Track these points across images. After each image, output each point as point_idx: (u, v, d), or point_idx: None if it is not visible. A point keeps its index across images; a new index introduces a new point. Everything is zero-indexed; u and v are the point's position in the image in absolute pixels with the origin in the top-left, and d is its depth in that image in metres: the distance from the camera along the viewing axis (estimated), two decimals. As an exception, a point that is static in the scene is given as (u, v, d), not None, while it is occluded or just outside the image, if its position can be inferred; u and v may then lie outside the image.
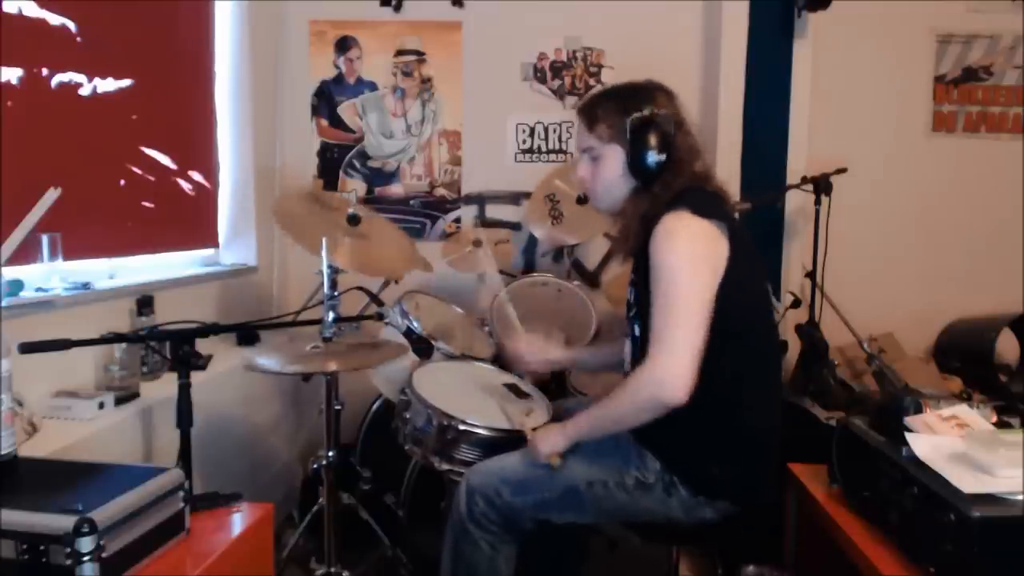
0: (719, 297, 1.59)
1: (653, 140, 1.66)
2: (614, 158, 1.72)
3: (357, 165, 3.41)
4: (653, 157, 1.66)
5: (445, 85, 3.37)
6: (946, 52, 3.29)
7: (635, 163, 1.68)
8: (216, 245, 3.02)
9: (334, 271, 2.18)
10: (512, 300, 2.35)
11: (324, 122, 3.39)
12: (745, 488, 1.70)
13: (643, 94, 1.72)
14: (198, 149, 2.85)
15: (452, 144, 3.40)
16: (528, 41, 3.34)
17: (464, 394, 2.12)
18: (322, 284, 2.07)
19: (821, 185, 2.90)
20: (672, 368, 1.52)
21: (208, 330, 1.75)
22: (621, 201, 1.76)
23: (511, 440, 1.89)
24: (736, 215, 1.80)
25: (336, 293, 2.10)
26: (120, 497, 1.22)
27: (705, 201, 1.65)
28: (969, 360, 3.00)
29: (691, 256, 1.58)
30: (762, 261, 1.81)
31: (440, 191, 3.41)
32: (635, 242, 1.71)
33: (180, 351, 1.65)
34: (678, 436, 1.66)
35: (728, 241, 1.61)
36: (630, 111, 1.68)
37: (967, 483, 1.27)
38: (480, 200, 3.41)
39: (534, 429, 1.82)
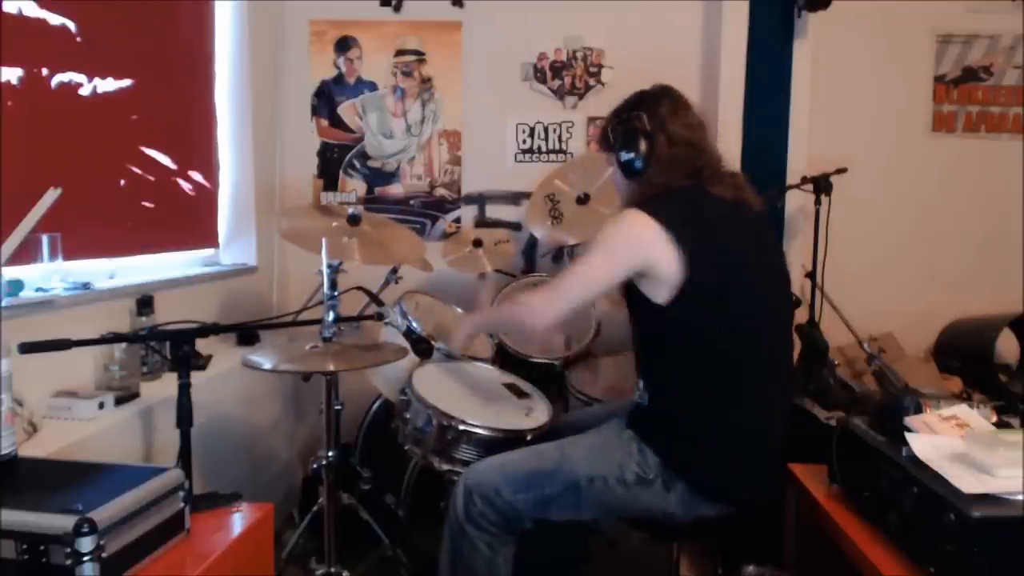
0: (710, 296, 1.62)
1: (626, 140, 1.77)
2: (612, 164, 1.83)
3: (357, 165, 3.41)
4: (626, 156, 1.77)
5: (445, 85, 3.37)
6: (946, 52, 3.29)
7: (619, 164, 1.79)
8: (216, 245, 3.01)
9: (334, 271, 2.18)
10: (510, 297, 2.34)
11: (324, 122, 3.39)
12: (742, 487, 1.70)
13: (627, 102, 1.83)
14: (198, 149, 2.84)
15: (452, 144, 3.40)
16: (528, 41, 3.34)
17: (464, 394, 2.12)
18: (322, 284, 2.07)
19: (821, 185, 2.90)
20: (544, 309, 1.72)
21: (208, 330, 1.76)
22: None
23: (511, 440, 1.89)
24: (733, 213, 1.79)
25: (336, 293, 2.09)
26: (120, 497, 1.21)
27: (671, 205, 1.67)
28: (969, 360, 2.99)
29: (610, 240, 1.68)
30: (766, 263, 1.81)
31: (440, 191, 3.41)
32: None
33: (180, 351, 1.65)
34: (678, 433, 1.68)
35: (677, 245, 1.60)
36: (610, 120, 1.84)
37: (967, 483, 1.27)
38: (480, 200, 3.41)
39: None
